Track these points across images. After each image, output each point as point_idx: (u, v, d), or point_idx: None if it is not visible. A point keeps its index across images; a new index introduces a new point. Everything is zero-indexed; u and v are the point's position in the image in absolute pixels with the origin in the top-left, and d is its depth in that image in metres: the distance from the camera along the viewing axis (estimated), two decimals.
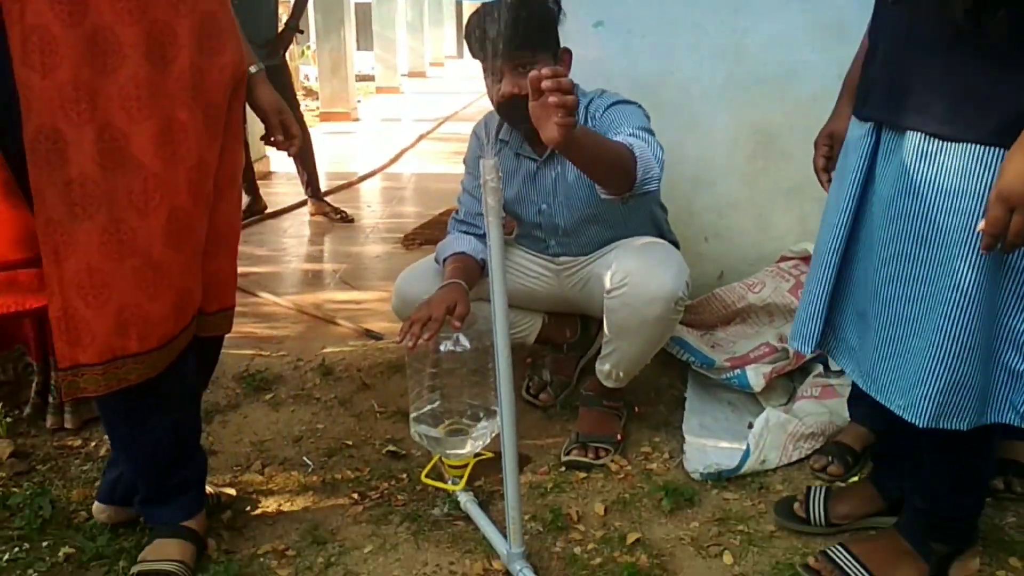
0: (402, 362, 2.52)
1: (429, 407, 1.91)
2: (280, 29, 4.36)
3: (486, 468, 1.92)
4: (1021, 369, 1.34)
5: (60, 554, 1.72)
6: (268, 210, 4.72)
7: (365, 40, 14.32)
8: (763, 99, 2.53)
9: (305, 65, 12.64)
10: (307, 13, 5.54)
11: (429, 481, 1.89)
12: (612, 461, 2.06)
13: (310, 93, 11.07)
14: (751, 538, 1.77)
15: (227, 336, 1.78)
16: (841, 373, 2.21)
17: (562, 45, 1.98)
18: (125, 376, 1.45)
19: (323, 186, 4.81)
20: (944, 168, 1.29)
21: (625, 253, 1.98)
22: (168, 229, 1.45)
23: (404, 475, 2.03)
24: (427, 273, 2.15)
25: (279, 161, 5.64)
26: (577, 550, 1.74)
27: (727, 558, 1.71)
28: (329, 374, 2.54)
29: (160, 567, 1.60)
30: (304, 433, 2.24)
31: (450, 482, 1.89)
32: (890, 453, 1.76)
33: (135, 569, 1.61)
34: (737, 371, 2.26)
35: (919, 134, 1.32)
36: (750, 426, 2.11)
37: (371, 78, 13.02)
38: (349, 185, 5.67)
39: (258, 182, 4.76)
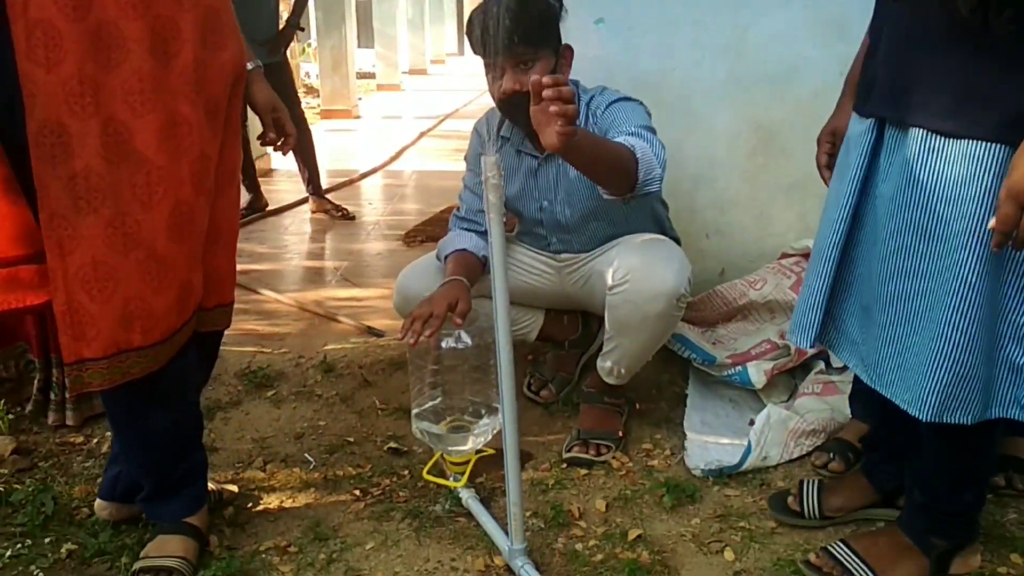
0: (403, 359, 2.53)
1: (431, 404, 1.91)
2: (281, 26, 4.36)
3: (487, 465, 1.93)
4: None
5: (62, 550, 1.73)
6: (269, 207, 4.72)
7: (366, 37, 14.33)
8: (764, 96, 2.53)
9: (306, 62, 12.64)
10: (308, 10, 5.54)
11: (431, 478, 1.90)
12: (613, 458, 2.06)
13: (311, 90, 11.06)
14: (752, 534, 1.77)
15: (229, 333, 1.78)
16: (842, 370, 2.21)
17: (563, 42, 1.98)
18: (128, 370, 1.46)
19: (324, 183, 4.81)
20: (947, 165, 1.30)
21: (627, 250, 1.98)
22: (172, 222, 1.45)
23: (406, 472, 2.03)
24: (428, 270, 2.15)
25: (280, 158, 5.63)
26: (578, 546, 1.74)
27: (728, 554, 1.71)
28: (330, 371, 2.55)
29: (162, 563, 1.61)
30: (306, 430, 2.25)
31: (452, 479, 1.90)
32: (882, 445, 1.76)
33: (137, 565, 1.62)
34: (738, 368, 2.26)
35: (922, 131, 1.32)
36: (751, 423, 2.11)
37: (372, 75, 13.02)
38: (350, 182, 5.67)
39: (259, 179, 4.75)
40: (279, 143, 1.80)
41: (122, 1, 1.35)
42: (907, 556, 1.59)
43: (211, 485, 1.83)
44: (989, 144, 1.26)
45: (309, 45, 12.76)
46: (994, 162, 1.26)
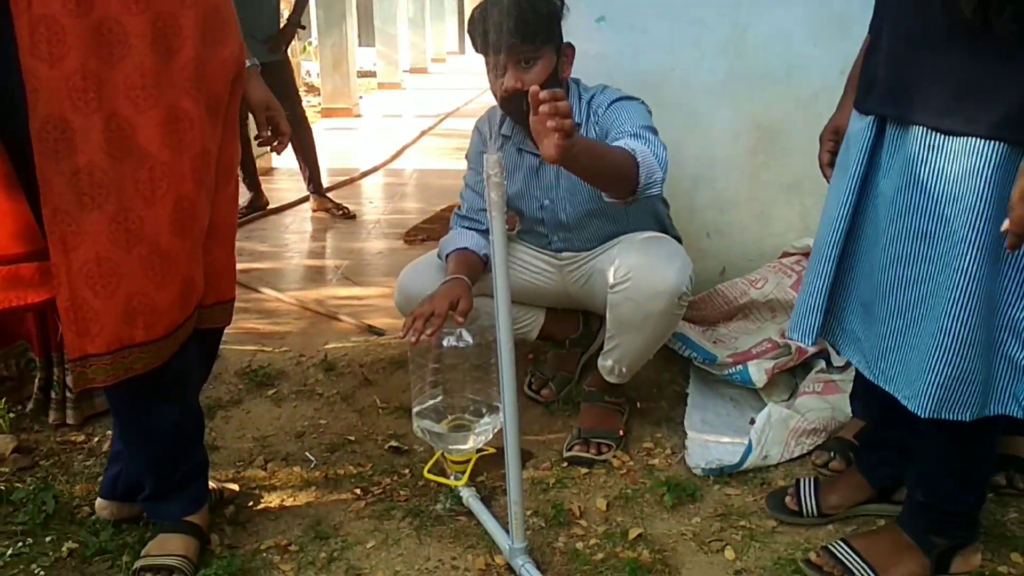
0: (404, 358, 2.53)
1: (431, 403, 1.91)
2: (282, 25, 4.36)
3: (488, 464, 1.93)
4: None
5: (63, 549, 1.73)
6: (270, 206, 4.72)
7: (367, 36, 14.33)
8: (764, 94, 2.53)
9: (307, 61, 12.63)
10: (309, 9, 5.53)
11: (431, 476, 1.90)
12: (614, 457, 2.06)
13: (312, 89, 11.06)
14: (753, 533, 1.77)
15: (229, 332, 1.79)
16: (843, 369, 2.21)
17: (565, 40, 1.98)
18: (131, 365, 1.46)
19: (325, 182, 4.80)
20: (947, 162, 1.30)
21: (628, 248, 1.98)
22: (174, 217, 1.46)
23: (406, 471, 2.03)
24: (430, 269, 2.15)
25: (281, 157, 5.64)
26: (579, 545, 1.74)
27: (729, 553, 1.71)
28: (331, 370, 2.55)
29: (163, 562, 1.61)
30: (306, 429, 2.25)
31: (452, 477, 1.90)
32: (881, 442, 1.76)
33: (138, 564, 1.62)
34: (739, 367, 2.26)
35: (923, 128, 1.33)
36: (752, 422, 2.11)
37: (373, 74, 13.01)
38: (351, 181, 5.67)
39: (260, 178, 4.75)
40: (274, 142, 1.81)
41: None
42: (908, 555, 1.59)
43: (212, 484, 1.83)
44: (989, 141, 1.26)
45: (310, 43, 12.75)
46: (994, 159, 1.26)
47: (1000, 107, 1.25)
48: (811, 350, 2.26)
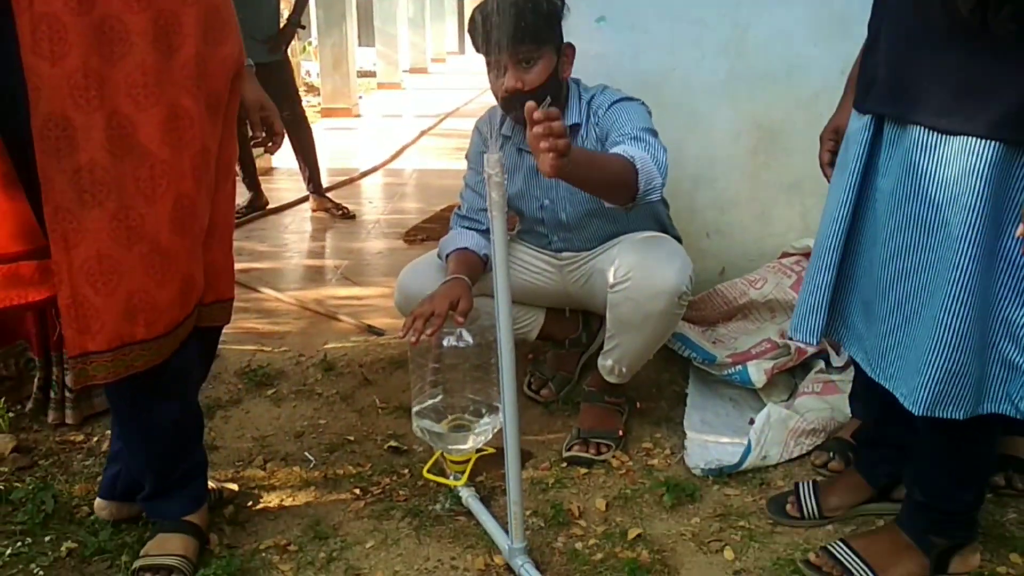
0: (404, 358, 2.53)
1: (431, 402, 1.91)
2: (282, 25, 4.36)
3: (488, 464, 1.93)
4: (1017, 361, 1.35)
5: (62, 549, 1.73)
6: (269, 206, 4.72)
7: (366, 36, 14.32)
8: (765, 94, 2.53)
9: (306, 61, 12.62)
10: (309, 8, 5.54)
11: (431, 476, 1.90)
12: (613, 457, 2.06)
13: (311, 89, 11.05)
14: (752, 534, 1.77)
15: (229, 331, 1.78)
16: (842, 369, 2.21)
17: (565, 40, 1.98)
18: (132, 363, 1.46)
19: (324, 182, 4.80)
20: (945, 161, 1.30)
21: (628, 248, 1.98)
22: (174, 215, 1.46)
23: (406, 470, 2.03)
24: (429, 269, 2.15)
25: (280, 157, 5.64)
26: (578, 545, 1.74)
27: (728, 554, 1.71)
28: (331, 370, 2.54)
29: (162, 561, 1.61)
30: (306, 428, 2.24)
31: (452, 477, 1.89)
32: (880, 442, 1.77)
33: (137, 563, 1.62)
34: (738, 367, 2.26)
35: (921, 128, 1.33)
36: (751, 422, 2.11)
37: (372, 74, 13.00)
38: (350, 181, 5.67)
39: (259, 178, 4.75)
40: (268, 143, 1.80)
41: None
42: (907, 555, 1.59)
43: (211, 484, 1.83)
44: (987, 141, 1.27)
45: (310, 43, 12.75)
46: (991, 158, 1.27)
47: (998, 107, 1.25)
48: (810, 350, 2.26)
